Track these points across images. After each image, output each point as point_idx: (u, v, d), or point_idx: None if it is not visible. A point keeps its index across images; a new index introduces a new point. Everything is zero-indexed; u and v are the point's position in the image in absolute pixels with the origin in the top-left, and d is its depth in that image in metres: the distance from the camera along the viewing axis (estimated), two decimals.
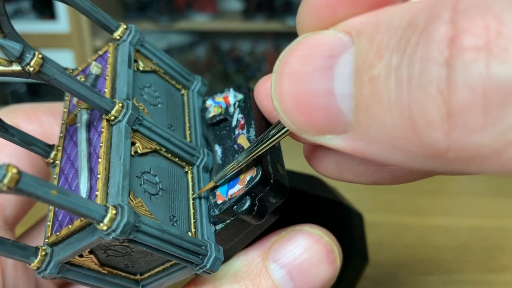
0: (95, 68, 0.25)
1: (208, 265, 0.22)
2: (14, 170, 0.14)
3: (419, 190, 0.76)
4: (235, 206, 0.22)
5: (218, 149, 0.25)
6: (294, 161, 0.30)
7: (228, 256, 0.25)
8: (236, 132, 0.24)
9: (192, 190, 0.24)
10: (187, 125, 0.26)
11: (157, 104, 0.25)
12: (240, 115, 0.25)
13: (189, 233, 0.23)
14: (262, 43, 1.04)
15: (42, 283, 0.27)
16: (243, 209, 0.22)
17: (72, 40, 0.90)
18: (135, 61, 0.25)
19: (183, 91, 0.27)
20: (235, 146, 0.24)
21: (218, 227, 0.23)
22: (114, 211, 0.18)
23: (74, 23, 0.89)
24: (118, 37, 0.25)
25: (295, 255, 0.23)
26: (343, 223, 0.34)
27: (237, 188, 0.22)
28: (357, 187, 0.77)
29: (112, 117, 0.21)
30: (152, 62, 0.26)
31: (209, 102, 0.27)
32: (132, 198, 0.20)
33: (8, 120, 0.24)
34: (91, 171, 0.22)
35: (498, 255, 0.59)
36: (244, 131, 0.24)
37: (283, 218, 0.26)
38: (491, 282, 0.55)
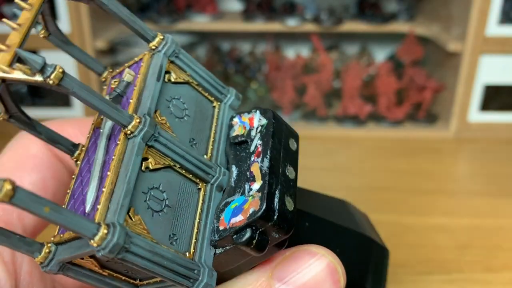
0: (127, 75, 0.25)
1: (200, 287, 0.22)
2: (9, 187, 0.15)
3: (419, 190, 0.76)
4: (235, 236, 0.22)
5: (234, 170, 0.25)
6: (317, 159, 0.30)
7: (228, 277, 0.24)
8: (252, 159, 0.24)
9: (201, 209, 0.24)
10: (211, 139, 0.26)
11: (183, 116, 0.25)
12: (259, 142, 0.24)
13: (187, 253, 0.22)
14: (262, 44, 1.04)
15: None
16: (242, 240, 0.22)
17: (73, 41, 0.90)
18: (168, 72, 0.25)
19: (215, 103, 0.27)
20: (248, 173, 0.24)
21: (218, 251, 0.23)
22: (105, 231, 0.19)
23: (75, 24, 0.89)
24: (153, 47, 0.25)
25: (299, 274, 0.23)
26: (364, 256, 0.33)
27: (239, 219, 0.22)
28: (358, 186, 0.77)
29: (129, 132, 0.22)
30: (185, 74, 0.26)
31: (235, 120, 0.27)
32: (132, 215, 0.21)
33: (36, 138, 0.25)
34: (101, 180, 0.22)
35: (498, 255, 0.59)
36: (259, 159, 0.24)
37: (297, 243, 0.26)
38: (490, 282, 0.55)
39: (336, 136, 0.96)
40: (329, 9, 1.01)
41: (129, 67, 0.26)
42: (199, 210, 0.24)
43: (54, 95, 1.01)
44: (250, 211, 0.22)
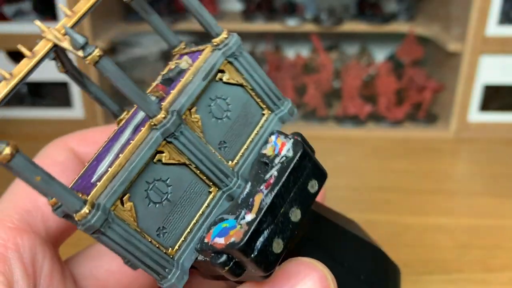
0: (184, 62, 0.25)
1: (165, 285, 0.22)
2: (8, 151, 0.17)
3: (419, 190, 0.76)
4: (212, 255, 0.22)
5: (248, 187, 0.24)
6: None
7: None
8: (261, 187, 0.23)
9: (202, 212, 0.24)
10: (245, 147, 0.25)
11: (222, 117, 0.25)
12: (275, 173, 0.23)
13: (170, 249, 0.23)
14: (262, 44, 1.04)
15: None
16: (216, 262, 0.22)
17: None
18: (222, 71, 0.25)
19: (265, 112, 0.27)
20: (251, 199, 0.23)
21: (200, 257, 0.23)
22: (87, 210, 0.20)
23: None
24: (215, 44, 0.25)
25: (290, 283, 0.23)
26: (377, 270, 0.32)
27: (221, 241, 0.22)
28: (358, 186, 0.77)
29: (152, 123, 0.22)
30: (241, 76, 0.25)
31: (272, 137, 0.26)
32: (124, 201, 0.21)
33: (64, 146, 0.26)
34: (116, 158, 0.22)
35: (498, 255, 0.59)
36: (265, 191, 0.23)
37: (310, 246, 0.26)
38: (490, 282, 0.55)
39: (336, 136, 0.96)
40: (329, 9, 1.01)
41: (193, 53, 0.26)
42: (200, 212, 0.24)
43: (54, 95, 1.01)
44: (231, 240, 0.22)
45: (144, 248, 0.22)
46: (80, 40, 0.20)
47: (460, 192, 0.77)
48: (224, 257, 0.22)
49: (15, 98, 1.02)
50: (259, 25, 0.98)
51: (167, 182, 0.23)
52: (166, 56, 1.04)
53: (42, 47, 0.21)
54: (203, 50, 0.25)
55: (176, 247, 0.23)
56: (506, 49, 0.89)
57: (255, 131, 0.26)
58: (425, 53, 1.00)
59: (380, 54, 1.12)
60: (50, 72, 0.89)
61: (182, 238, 0.23)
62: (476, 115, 0.95)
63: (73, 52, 0.20)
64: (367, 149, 0.92)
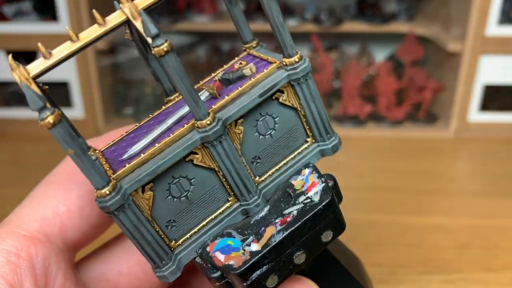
0: (248, 69, 0.25)
1: (157, 274, 0.23)
2: (51, 120, 0.18)
3: (419, 190, 0.76)
4: (209, 265, 0.23)
5: (265, 211, 0.24)
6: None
7: None
8: (276, 220, 0.23)
9: (215, 217, 0.24)
10: (276, 168, 0.25)
11: (265, 134, 0.25)
12: (295, 213, 0.23)
13: (173, 242, 0.23)
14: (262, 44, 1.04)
15: None
16: (210, 275, 0.23)
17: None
18: (281, 91, 0.25)
19: (309, 140, 0.26)
20: (262, 228, 0.23)
21: (198, 259, 0.24)
22: (107, 192, 0.21)
23: (75, 24, 0.89)
24: (284, 63, 0.24)
25: None
26: None
27: (220, 258, 0.22)
28: (358, 186, 0.77)
29: (196, 125, 0.22)
30: (298, 101, 0.25)
31: (305, 171, 0.26)
32: (146, 189, 0.22)
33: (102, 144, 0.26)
34: (151, 144, 0.23)
35: (498, 255, 0.59)
36: (279, 228, 0.23)
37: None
38: (490, 282, 0.55)
39: None
40: (329, 9, 1.01)
41: (260, 60, 0.26)
42: (212, 217, 0.24)
43: (55, 95, 1.01)
44: (230, 262, 0.22)
45: (149, 238, 0.22)
46: (152, 30, 0.20)
47: (460, 192, 0.77)
48: (218, 273, 0.23)
49: (15, 98, 1.02)
50: (259, 25, 0.98)
51: (191, 181, 0.23)
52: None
53: (116, 18, 0.22)
54: (271, 62, 0.25)
55: (180, 242, 0.24)
56: (506, 49, 0.89)
57: (292, 155, 0.26)
58: (425, 53, 1.00)
59: (380, 54, 1.12)
60: (50, 72, 0.88)
61: (188, 236, 0.24)
62: (476, 115, 0.95)
63: (143, 34, 0.20)
64: (367, 149, 0.92)
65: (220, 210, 0.24)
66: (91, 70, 0.93)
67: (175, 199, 0.23)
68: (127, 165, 0.22)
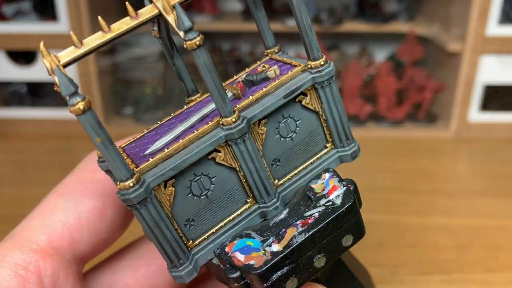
0: (271, 71, 0.25)
1: (173, 274, 0.23)
2: (81, 107, 0.19)
3: (419, 190, 0.76)
4: (227, 266, 0.23)
5: (284, 213, 0.24)
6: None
7: None
8: (297, 221, 0.23)
9: (233, 218, 0.24)
10: (295, 172, 0.26)
11: (286, 137, 0.25)
12: (317, 215, 0.23)
13: (191, 241, 0.23)
14: (262, 44, 1.04)
15: None
16: (229, 275, 0.22)
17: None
18: (304, 94, 0.25)
19: (329, 145, 0.26)
20: (283, 229, 0.23)
21: (214, 261, 0.24)
22: (131, 184, 0.21)
23: (75, 24, 0.89)
24: (309, 66, 0.25)
25: None
26: None
27: (240, 258, 0.22)
28: (358, 186, 0.76)
29: (220, 122, 0.23)
30: (320, 105, 0.25)
31: (325, 175, 0.25)
32: (168, 185, 0.22)
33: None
34: (175, 140, 0.23)
35: (498, 255, 0.59)
36: (301, 229, 0.23)
37: None
38: (490, 282, 0.55)
39: None
40: (329, 9, 1.01)
41: (284, 63, 0.26)
42: (230, 218, 0.24)
43: (55, 95, 1.01)
44: (251, 262, 0.22)
45: (168, 235, 0.22)
46: (186, 24, 0.20)
47: (460, 192, 0.77)
48: (237, 274, 0.22)
49: (15, 98, 1.02)
50: None
51: (212, 179, 0.23)
52: (165, 56, 1.04)
53: (148, 12, 0.22)
54: (295, 66, 0.25)
55: (197, 242, 0.24)
56: (506, 49, 0.89)
57: (311, 160, 0.26)
58: (425, 53, 1.00)
59: (380, 54, 1.12)
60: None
61: (205, 236, 0.24)
62: (476, 115, 0.95)
63: (175, 29, 0.21)
64: (367, 149, 0.92)
65: (238, 212, 0.24)
66: (91, 70, 0.93)
67: (195, 197, 0.23)
68: (151, 159, 0.22)
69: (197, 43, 0.21)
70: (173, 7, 0.21)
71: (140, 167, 0.22)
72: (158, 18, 0.22)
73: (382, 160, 0.87)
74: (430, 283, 0.55)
